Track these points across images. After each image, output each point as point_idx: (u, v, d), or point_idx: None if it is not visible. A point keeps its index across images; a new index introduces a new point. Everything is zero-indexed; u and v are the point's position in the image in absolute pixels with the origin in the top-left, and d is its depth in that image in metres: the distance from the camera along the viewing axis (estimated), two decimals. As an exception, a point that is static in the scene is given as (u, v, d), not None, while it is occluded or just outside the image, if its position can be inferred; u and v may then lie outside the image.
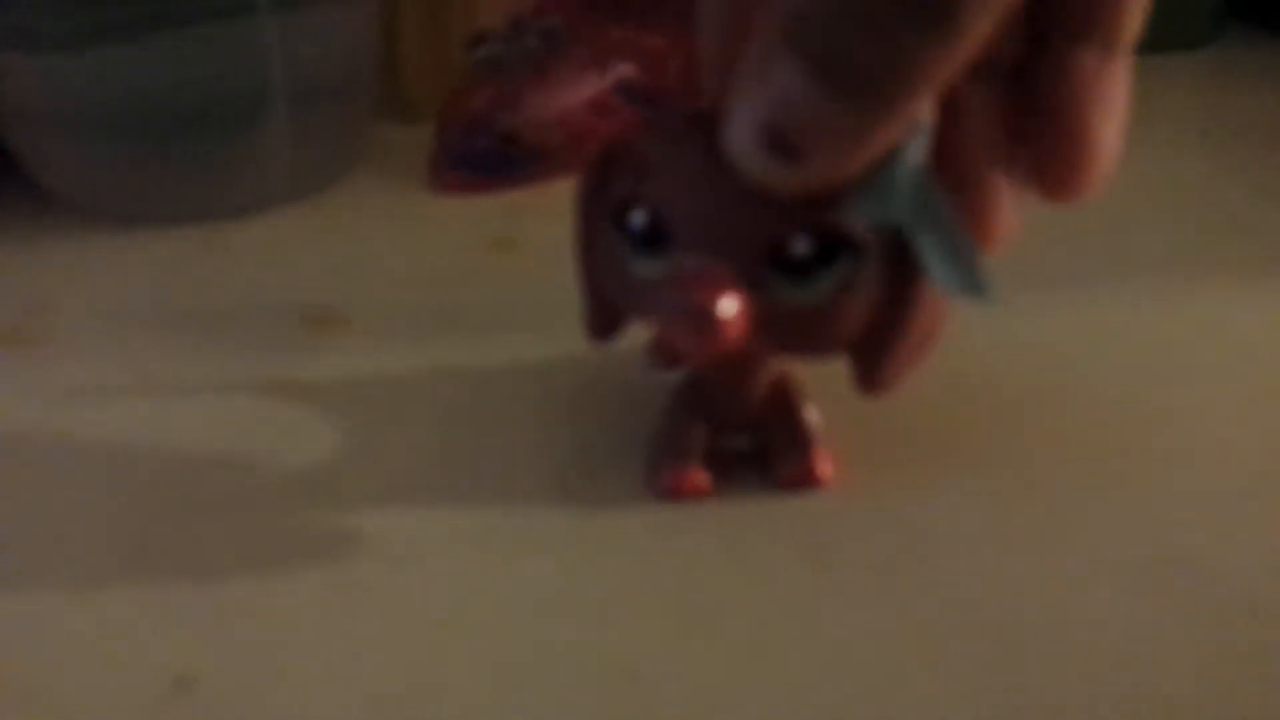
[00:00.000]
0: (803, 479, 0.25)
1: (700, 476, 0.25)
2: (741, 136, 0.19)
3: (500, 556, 0.23)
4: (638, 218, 0.21)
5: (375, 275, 0.36)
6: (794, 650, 0.21)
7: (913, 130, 0.20)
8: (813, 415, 0.25)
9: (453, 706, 0.20)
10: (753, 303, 0.20)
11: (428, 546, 0.23)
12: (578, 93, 0.42)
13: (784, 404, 0.25)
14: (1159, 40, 0.57)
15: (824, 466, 0.25)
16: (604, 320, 0.25)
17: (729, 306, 0.20)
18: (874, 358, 0.22)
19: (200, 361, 0.31)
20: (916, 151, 0.20)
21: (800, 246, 0.20)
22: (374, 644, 0.21)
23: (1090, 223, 0.39)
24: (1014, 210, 0.23)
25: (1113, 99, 0.21)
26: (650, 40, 0.43)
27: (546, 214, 0.39)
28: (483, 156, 0.41)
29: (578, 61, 0.42)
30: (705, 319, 0.20)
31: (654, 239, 0.21)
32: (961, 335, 0.31)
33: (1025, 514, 0.24)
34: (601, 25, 0.43)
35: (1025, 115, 0.21)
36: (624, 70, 0.43)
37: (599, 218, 0.23)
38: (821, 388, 0.24)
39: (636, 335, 0.30)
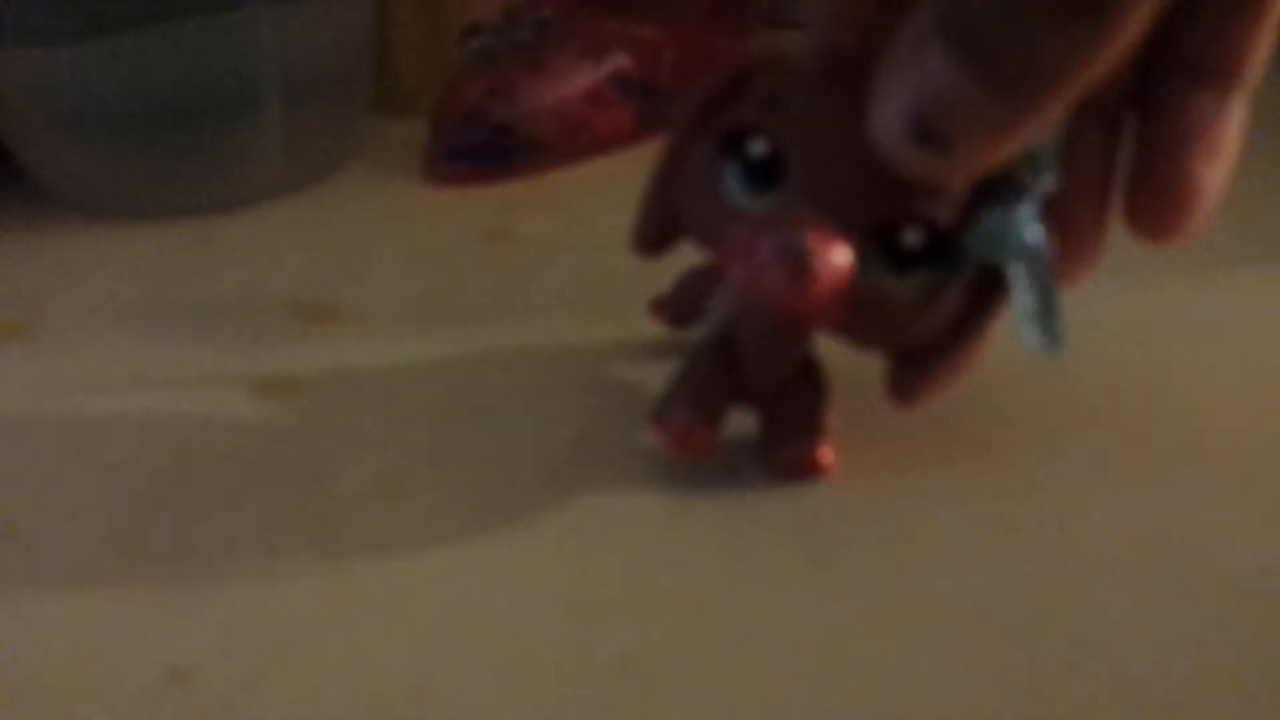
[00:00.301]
0: (806, 466, 0.24)
1: (709, 435, 0.23)
2: (889, 122, 0.19)
3: (495, 549, 0.23)
4: (758, 146, 0.21)
5: (369, 268, 0.36)
6: (794, 643, 0.20)
7: (1046, 158, 0.20)
8: (827, 405, 0.24)
9: (449, 700, 0.19)
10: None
11: (422, 539, 0.23)
12: (572, 84, 0.42)
13: (807, 387, 0.24)
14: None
15: (828, 455, 0.24)
16: (658, 234, 0.24)
17: (837, 260, 0.19)
18: (921, 371, 0.22)
19: (194, 355, 0.31)
20: (1044, 185, 0.20)
21: (911, 236, 0.20)
22: (369, 637, 0.21)
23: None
24: (1100, 250, 0.22)
25: (1223, 142, 0.21)
26: (644, 31, 0.43)
27: (541, 205, 0.39)
28: (477, 148, 0.41)
29: (572, 53, 0.42)
30: (808, 265, 0.19)
31: (767, 174, 0.21)
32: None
33: (1026, 505, 0.24)
34: (595, 16, 0.42)
35: (1132, 153, 0.21)
36: (619, 61, 0.43)
37: (703, 135, 0.22)
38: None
39: (631, 332, 0.30)
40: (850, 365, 0.24)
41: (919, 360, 0.22)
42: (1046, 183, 0.20)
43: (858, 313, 0.21)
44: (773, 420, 0.24)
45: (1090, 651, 0.20)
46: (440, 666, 0.20)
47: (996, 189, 0.20)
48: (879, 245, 0.20)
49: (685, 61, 0.44)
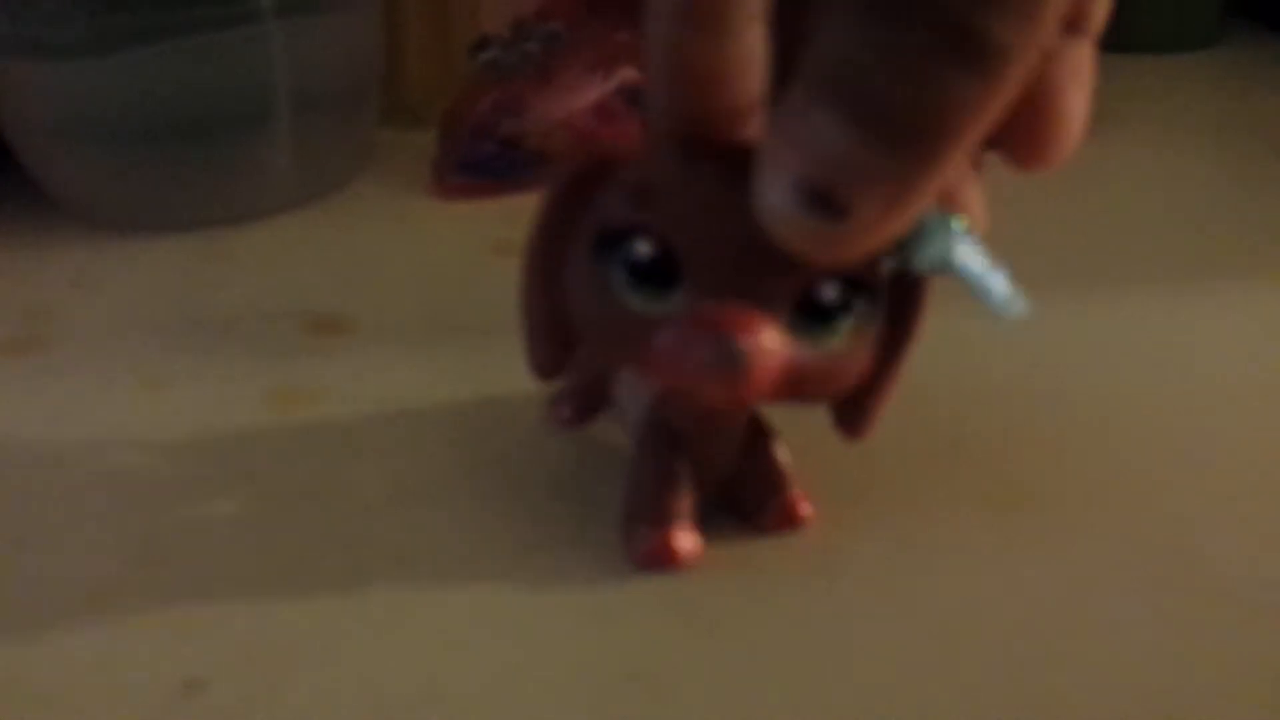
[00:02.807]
0: (787, 522, 0.23)
1: (689, 539, 0.22)
2: (780, 193, 0.17)
3: (507, 560, 0.23)
4: (641, 248, 0.19)
5: (379, 280, 0.36)
6: (797, 662, 0.20)
7: None
8: (785, 455, 0.23)
9: (463, 711, 0.19)
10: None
11: (434, 550, 0.23)
12: (581, 97, 0.42)
13: (758, 446, 0.23)
14: (1167, 41, 0.57)
15: (804, 506, 0.23)
16: (555, 354, 0.22)
17: (771, 348, 0.19)
18: (864, 400, 0.22)
19: (206, 367, 0.31)
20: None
21: (830, 292, 0.19)
22: (383, 649, 0.21)
23: (1094, 224, 0.39)
24: (981, 195, 0.22)
25: (1085, 74, 0.21)
26: (654, 44, 0.43)
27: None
28: (486, 161, 0.41)
29: (581, 65, 0.42)
30: (745, 366, 0.18)
31: (659, 274, 0.19)
32: (962, 342, 0.31)
33: (1029, 518, 0.24)
34: (604, 29, 0.43)
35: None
36: (627, 74, 0.43)
37: (573, 241, 0.20)
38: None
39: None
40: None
41: (861, 391, 0.21)
42: None
43: (798, 378, 0.20)
44: (737, 489, 0.23)
45: (1093, 663, 0.20)
46: (453, 677, 0.20)
47: None
48: (800, 311, 0.19)
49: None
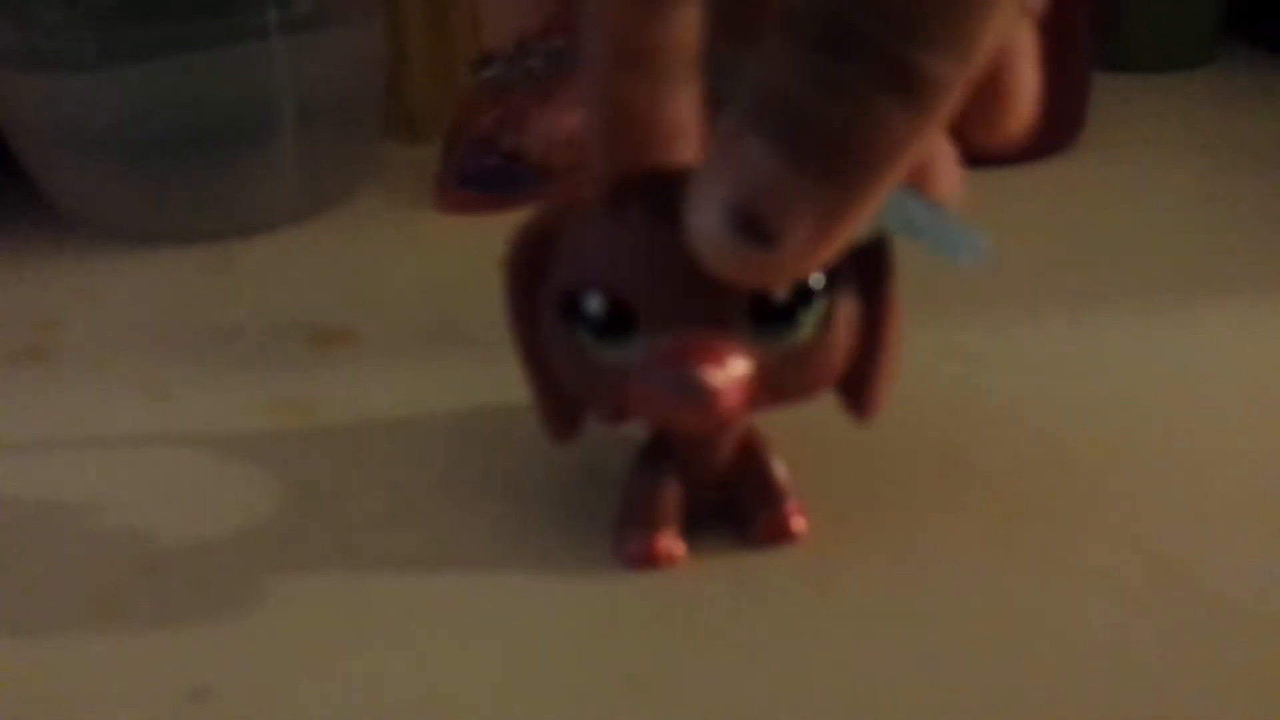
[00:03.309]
0: (778, 535, 0.23)
1: (673, 543, 0.23)
2: (708, 221, 0.17)
3: (507, 572, 0.23)
4: (594, 304, 0.20)
5: (382, 292, 0.36)
6: (792, 671, 0.21)
7: None
8: (782, 469, 0.24)
9: (460, 718, 0.20)
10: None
11: (436, 561, 0.23)
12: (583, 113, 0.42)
13: (753, 459, 0.23)
14: (1161, 60, 0.57)
15: (798, 520, 0.24)
16: (565, 418, 0.23)
17: (735, 369, 0.19)
18: (862, 380, 0.22)
19: (209, 378, 0.31)
20: None
21: (779, 292, 0.20)
22: (384, 657, 0.21)
23: (1088, 239, 0.39)
24: (954, 166, 0.22)
25: (1031, 50, 0.21)
26: (654, 60, 0.44)
27: (552, 232, 0.40)
28: (489, 175, 0.41)
29: (583, 81, 0.43)
30: (706, 393, 0.19)
31: (617, 323, 0.20)
32: (956, 351, 0.31)
33: (1021, 535, 0.24)
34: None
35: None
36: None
37: (538, 312, 0.21)
38: (811, 414, 0.24)
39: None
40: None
41: (856, 372, 0.22)
42: None
43: (775, 380, 0.20)
44: (734, 499, 0.24)
45: (1088, 676, 0.20)
46: (452, 686, 0.20)
47: None
48: (756, 318, 0.20)
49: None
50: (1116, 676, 0.20)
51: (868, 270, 0.21)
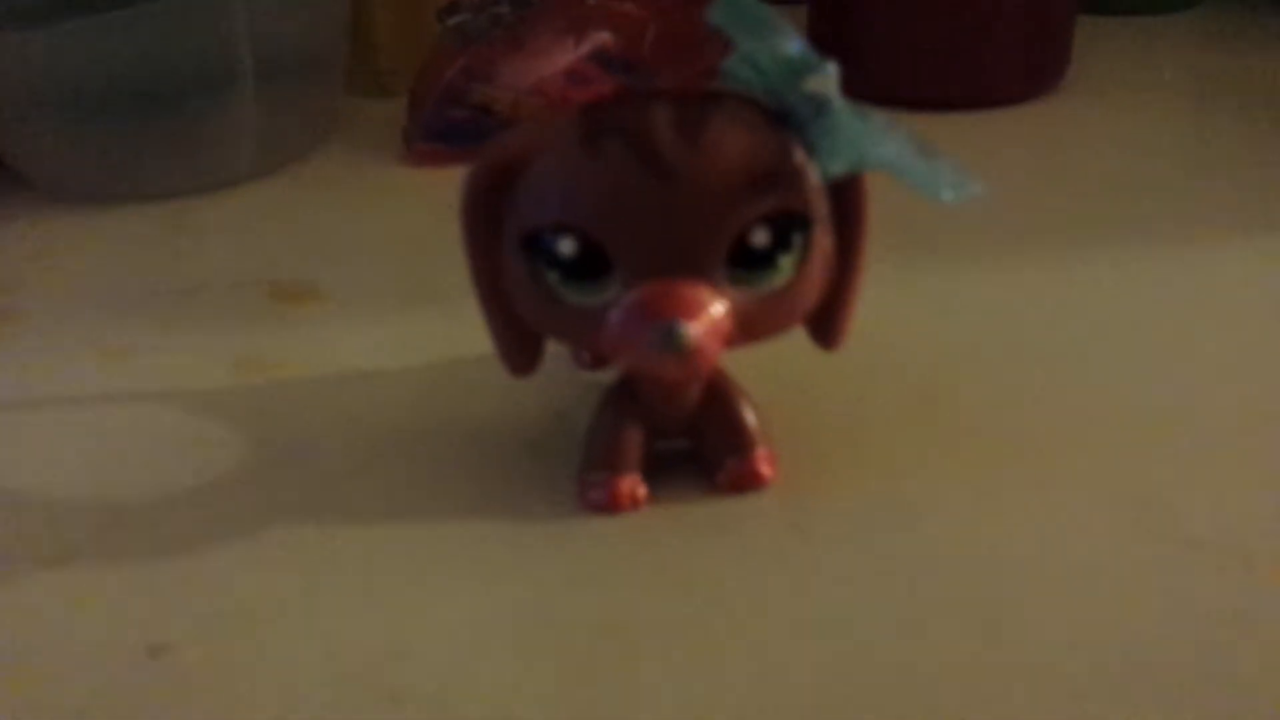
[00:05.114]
0: (745, 481, 0.23)
1: (636, 486, 0.23)
2: None
3: (474, 524, 0.23)
4: (565, 246, 0.19)
5: (347, 248, 0.35)
6: (768, 618, 0.20)
7: (821, 73, 0.19)
8: (750, 414, 0.23)
9: (425, 670, 0.19)
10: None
11: (401, 515, 0.23)
12: (553, 61, 0.41)
13: (720, 403, 0.23)
14: (1145, 2, 0.57)
15: (766, 467, 0.23)
16: (524, 351, 0.22)
17: (715, 318, 0.19)
18: (830, 311, 0.22)
19: (172, 336, 0.30)
20: (834, 87, 0.19)
21: (760, 237, 0.19)
22: (348, 611, 0.21)
23: (1072, 181, 0.39)
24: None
25: None
26: (625, 7, 0.43)
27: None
28: (457, 127, 0.40)
29: (553, 30, 0.42)
30: (687, 345, 0.18)
31: (589, 267, 0.19)
32: (936, 292, 0.31)
33: (999, 476, 0.23)
34: (575, -8, 0.42)
35: None
36: (600, 38, 0.42)
37: (496, 245, 0.20)
38: (793, 359, 0.24)
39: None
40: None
41: (825, 305, 0.21)
42: (830, 79, 0.19)
43: (752, 322, 0.20)
44: (702, 444, 0.23)
45: (1066, 612, 0.20)
46: (417, 638, 0.20)
47: (790, 119, 0.19)
48: (736, 262, 0.19)
49: (667, 37, 0.43)
50: (1093, 611, 0.20)
51: (842, 206, 0.21)
